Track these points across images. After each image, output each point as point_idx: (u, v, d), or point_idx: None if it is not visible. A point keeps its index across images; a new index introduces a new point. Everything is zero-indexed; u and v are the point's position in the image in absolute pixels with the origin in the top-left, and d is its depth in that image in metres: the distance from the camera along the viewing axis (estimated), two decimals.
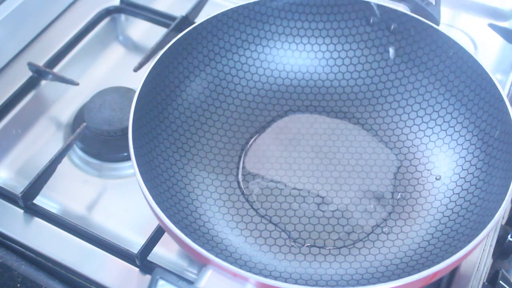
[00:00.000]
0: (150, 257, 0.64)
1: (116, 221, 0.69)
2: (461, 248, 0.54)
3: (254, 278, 0.51)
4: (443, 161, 0.67)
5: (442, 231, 0.62)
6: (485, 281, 0.65)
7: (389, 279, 0.58)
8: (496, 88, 0.64)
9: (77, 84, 0.79)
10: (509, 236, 0.67)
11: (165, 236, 0.64)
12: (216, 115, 0.72)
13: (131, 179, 0.73)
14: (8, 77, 0.81)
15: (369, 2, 0.72)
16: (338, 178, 0.68)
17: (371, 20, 0.72)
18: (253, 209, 0.65)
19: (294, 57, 0.75)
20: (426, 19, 0.70)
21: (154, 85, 0.66)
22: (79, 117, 0.77)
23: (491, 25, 0.86)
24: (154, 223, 0.64)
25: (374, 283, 0.56)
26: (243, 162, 0.69)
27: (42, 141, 0.77)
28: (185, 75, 0.70)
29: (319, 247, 0.63)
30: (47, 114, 0.80)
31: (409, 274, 0.53)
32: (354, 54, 0.74)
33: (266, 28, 0.74)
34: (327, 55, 0.74)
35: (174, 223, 0.55)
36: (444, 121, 0.69)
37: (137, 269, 0.64)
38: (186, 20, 0.84)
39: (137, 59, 0.81)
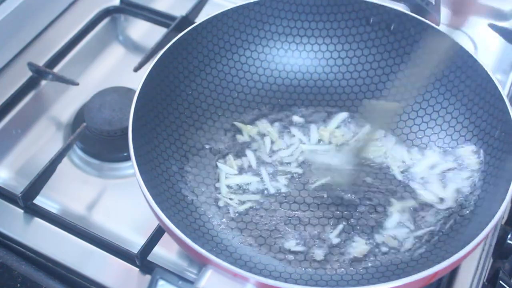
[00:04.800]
0: (150, 257, 0.64)
1: (116, 221, 0.69)
2: (461, 248, 0.54)
3: (254, 278, 0.51)
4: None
5: (442, 231, 0.62)
6: (485, 281, 0.65)
7: (389, 279, 0.58)
8: (496, 88, 0.64)
9: (77, 84, 0.79)
10: (509, 236, 0.67)
11: (165, 236, 0.64)
12: (216, 115, 0.72)
13: (131, 179, 0.73)
14: (8, 77, 0.81)
15: (369, 2, 0.72)
16: None
17: (371, 20, 0.72)
18: (254, 208, 0.66)
19: (294, 57, 0.75)
20: (426, 19, 0.70)
21: (154, 85, 0.66)
22: (79, 117, 0.77)
23: (491, 25, 0.86)
24: (154, 223, 0.64)
25: (374, 283, 0.56)
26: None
27: (42, 141, 0.77)
28: (185, 75, 0.70)
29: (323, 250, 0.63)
30: (47, 114, 0.80)
31: (409, 274, 0.53)
32: (354, 54, 0.74)
33: (266, 28, 0.74)
34: (327, 55, 0.74)
35: (174, 223, 0.55)
36: (444, 121, 0.69)
37: (137, 269, 0.64)
38: (186, 20, 0.84)
39: (137, 59, 0.81)
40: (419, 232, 0.63)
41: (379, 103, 0.69)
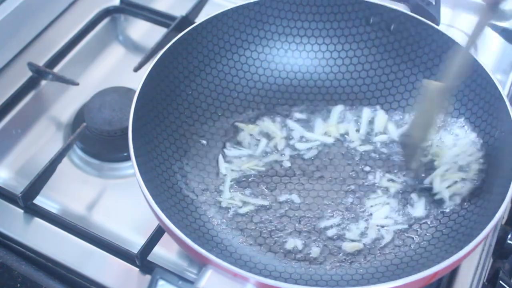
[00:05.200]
0: (150, 257, 0.64)
1: (116, 221, 0.69)
2: (461, 248, 0.54)
3: (254, 278, 0.51)
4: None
5: (442, 231, 0.62)
6: (485, 281, 0.65)
7: (389, 279, 0.58)
8: (496, 88, 0.64)
9: (77, 84, 0.79)
10: (509, 236, 0.67)
11: (165, 236, 0.64)
12: (216, 115, 0.72)
13: (131, 179, 0.73)
14: (8, 77, 0.81)
15: (369, 2, 0.72)
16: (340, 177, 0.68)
17: (371, 20, 0.72)
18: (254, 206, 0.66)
19: (294, 57, 0.75)
20: (426, 19, 0.70)
21: (154, 85, 0.66)
22: (79, 117, 0.77)
23: (491, 25, 0.86)
24: (154, 223, 0.64)
25: (374, 283, 0.56)
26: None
27: (42, 141, 0.77)
28: (185, 75, 0.70)
29: (320, 248, 0.63)
30: (47, 114, 0.80)
31: (409, 274, 0.53)
32: (354, 54, 0.74)
33: (266, 28, 0.74)
34: (327, 55, 0.74)
35: (174, 223, 0.55)
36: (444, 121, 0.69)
37: (137, 269, 0.64)
38: (186, 20, 0.84)
39: (137, 59, 0.81)
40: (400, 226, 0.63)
41: (432, 83, 0.65)
